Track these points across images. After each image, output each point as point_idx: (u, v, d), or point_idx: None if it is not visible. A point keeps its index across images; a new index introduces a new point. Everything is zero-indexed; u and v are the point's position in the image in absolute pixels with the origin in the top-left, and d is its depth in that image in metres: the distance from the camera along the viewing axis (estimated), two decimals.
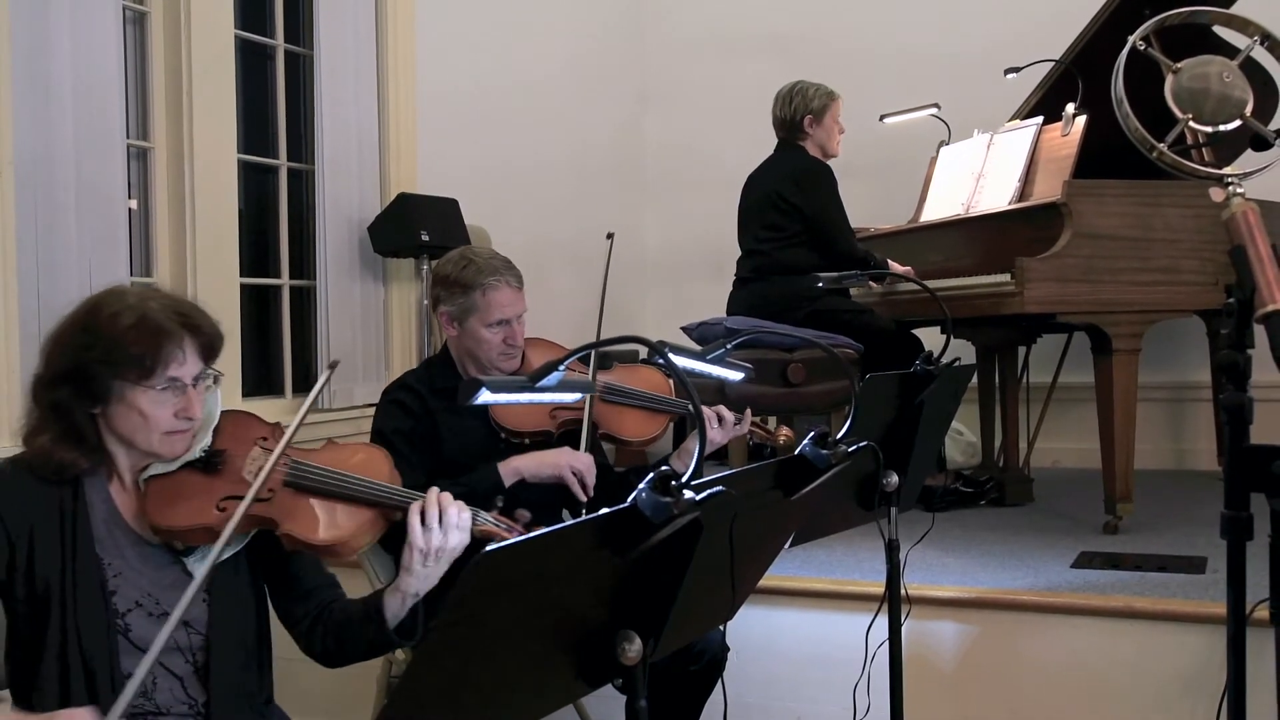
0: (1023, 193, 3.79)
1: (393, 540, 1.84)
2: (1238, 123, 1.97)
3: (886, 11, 5.40)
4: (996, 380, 4.25)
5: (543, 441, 2.50)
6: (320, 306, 4.06)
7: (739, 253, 4.14)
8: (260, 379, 4.07)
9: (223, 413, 1.80)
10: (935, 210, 4.25)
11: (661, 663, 1.29)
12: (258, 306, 4.08)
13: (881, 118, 4.73)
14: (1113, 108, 1.99)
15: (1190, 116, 1.97)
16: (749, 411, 2.63)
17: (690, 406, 2.54)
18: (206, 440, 1.76)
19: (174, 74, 3.56)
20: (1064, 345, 4.42)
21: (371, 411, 2.56)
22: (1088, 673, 2.62)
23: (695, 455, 1.33)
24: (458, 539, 1.74)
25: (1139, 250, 3.38)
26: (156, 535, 1.71)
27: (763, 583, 1.80)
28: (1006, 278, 3.43)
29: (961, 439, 4.67)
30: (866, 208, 4.47)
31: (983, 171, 4.05)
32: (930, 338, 3.75)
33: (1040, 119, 3.89)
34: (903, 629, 2.25)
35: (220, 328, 1.76)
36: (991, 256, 3.65)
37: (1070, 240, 3.36)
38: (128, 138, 3.38)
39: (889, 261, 3.97)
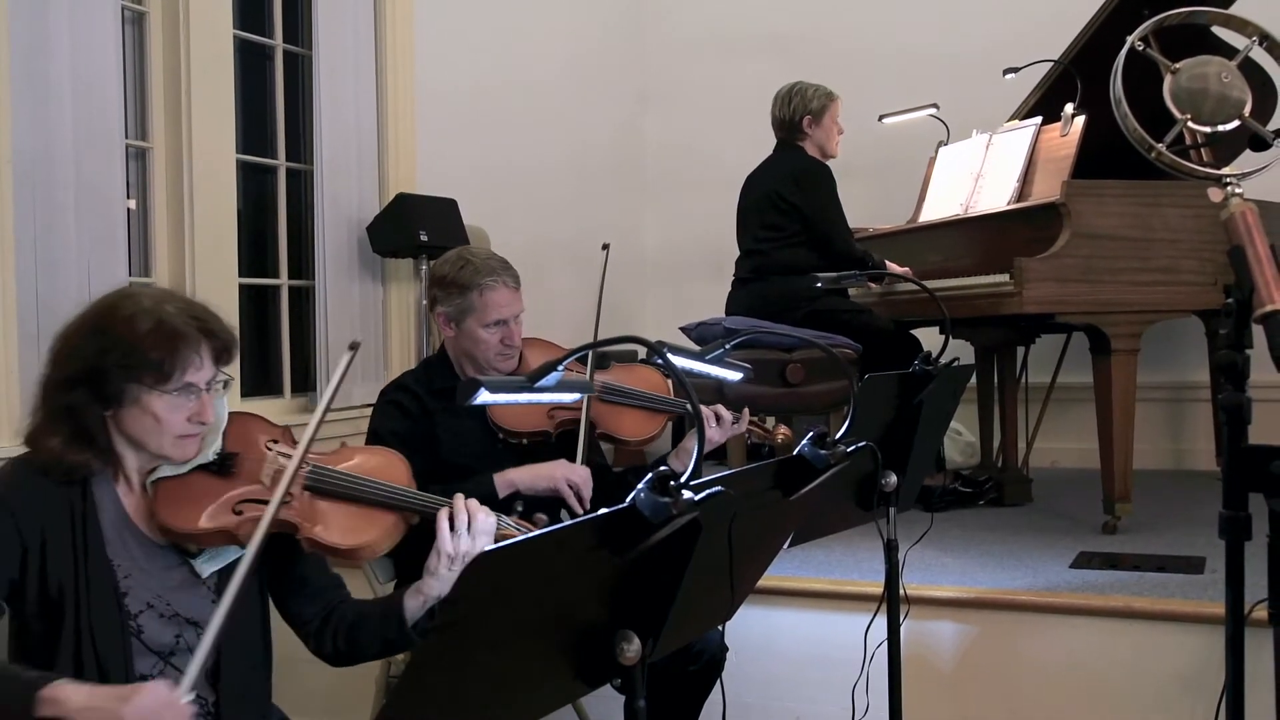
0: (1021, 193, 3.79)
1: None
2: (1236, 123, 1.97)
3: (886, 11, 5.41)
4: (995, 380, 4.25)
5: (541, 441, 2.50)
6: (319, 306, 4.06)
7: (738, 253, 4.14)
8: (259, 379, 4.07)
9: (229, 414, 1.81)
10: (934, 210, 4.25)
11: (660, 663, 1.29)
12: (256, 306, 4.08)
13: (880, 118, 4.73)
14: (1111, 108, 1.99)
15: (1189, 117, 1.97)
16: (746, 411, 2.63)
17: (689, 406, 2.54)
18: (218, 443, 1.76)
19: (173, 74, 3.56)
20: (1063, 345, 4.43)
21: (369, 412, 2.56)
22: (1086, 673, 2.62)
23: (694, 455, 1.33)
24: (484, 544, 1.75)
25: (1138, 250, 3.39)
26: (169, 538, 1.71)
27: (761, 583, 1.80)
28: (1005, 278, 3.43)
29: (960, 439, 4.67)
30: (865, 208, 4.48)
31: (981, 172, 4.05)
32: (929, 338, 3.76)
33: (1039, 119, 3.89)
34: (901, 629, 2.26)
35: (234, 332, 1.77)
36: (990, 257, 3.65)
37: (1069, 240, 3.36)
38: (126, 137, 3.38)
39: (886, 263, 3.97)
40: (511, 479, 2.35)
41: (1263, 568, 1.77)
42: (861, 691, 2.39)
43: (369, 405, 2.54)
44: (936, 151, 4.45)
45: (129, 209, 3.42)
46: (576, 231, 5.17)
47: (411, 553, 1.89)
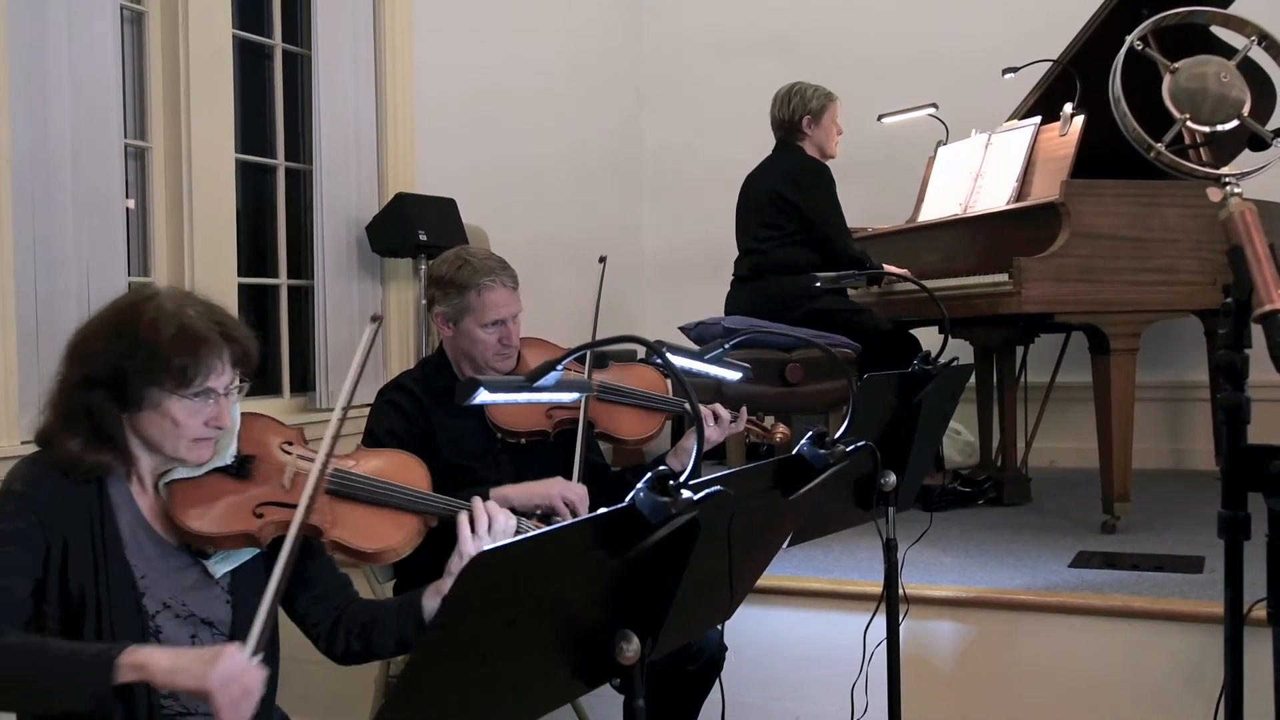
0: (1020, 192, 3.80)
1: None
2: (1235, 123, 1.97)
3: (885, 11, 5.41)
4: (994, 380, 4.25)
5: (539, 441, 2.49)
6: (318, 306, 4.06)
7: (737, 252, 4.14)
8: (258, 379, 4.05)
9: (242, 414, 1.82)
10: (933, 210, 4.25)
11: (659, 662, 1.29)
12: (255, 306, 4.08)
13: (879, 117, 4.73)
14: (1110, 107, 1.99)
15: (1188, 116, 1.97)
16: (744, 410, 2.63)
17: (687, 405, 2.54)
18: (233, 446, 1.77)
19: (171, 73, 3.56)
20: (1062, 345, 4.43)
21: (368, 411, 2.55)
22: (1085, 672, 2.62)
23: (693, 454, 1.33)
24: None
25: (1137, 250, 3.39)
26: (188, 540, 1.71)
27: (760, 582, 1.80)
28: (1004, 277, 3.43)
29: (959, 438, 4.67)
30: (864, 208, 4.47)
31: (980, 171, 4.05)
32: (928, 337, 3.75)
33: (1038, 119, 3.89)
34: (900, 628, 2.25)
35: (254, 338, 1.77)
36: (989, 256, 3.65)
37: (1068, 240, 3.36)
38: (125, 137, 3.38)
39: (884, 266, 3.97)
40: (506, 495, 2.31)
41: (1261, 567, 1.77)
42: (860, 691, 2.39)
43: (367, 405, 2.54)
44: (935, 151, 4.45)
45: (128, 208, 3.42)
46: (575, 231, 5.17)
47: (412, 553, 1.89)
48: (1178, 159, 1.94)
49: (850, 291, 4.11)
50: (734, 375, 2.30)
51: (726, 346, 2.19)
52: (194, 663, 1.49)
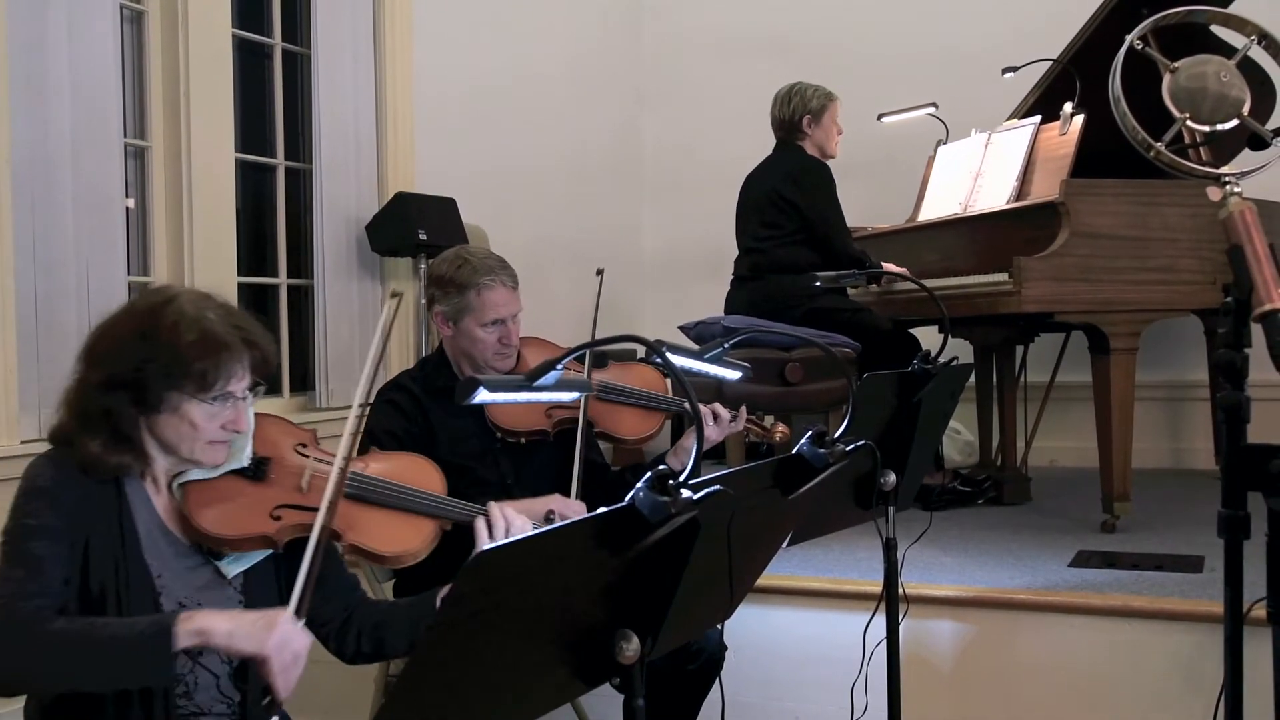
0: (1020, 192, 3.80)
1: None
2: (1235, 122, 1.97)
3: (885, 11, 5.41)
4: (994, 379, 4.25)
5: (539, 440, 2.49)
6: (318, 306, 4.06)
7: (737, 252, 4.14)
8: None
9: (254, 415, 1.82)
10: (933, 209, 4.25)
11: (659, 662, 1.29)
12: (255, 306, 4.07)
13: (879, 117, 4.73)
14: (1110, 107, 1.99)
15: (1187, 116, 1.97)
16: (744, 409, 2.63)
17: (687, 405, 2.54)
18: (249, 448, 1.77)
19: (171, 73, 3.56)
20: (1061, 344, 4.43)
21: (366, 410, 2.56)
22: (1085, 671, 2.62)
23: (693, 454, 1.33)
24: None
25: (1136, 249, 3.39)
26: (204, 541, 1.72)
27: (760, 582, 1.80)
28: (1004, 277, 3.43)
29: (959, 438, 4.67)
30: (864, 207, 4.47)
31: (980, 171, 4.05)
32: (928, 337, 3.75)
33: (1038, 118, 3.89)
34: (900, 628, 2.25)
35: (274, 342, 1.79)
36: (989, 256, 3.65)
37: (1068, 239, 3.36)
38: (125, 136, 3.38)
39: (884, 265, 3.97)
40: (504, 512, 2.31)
41: (1261, 566, 1.77)
42: (860, 690, 2.39)
43: (367, 404, 2.54)
44: (935, 151, 4.45)
45: (128, 208, 3.42)
46: (575, 231, 5.17)
47: None
48: (1177, 158, 1.94)
49: (850, 291, 4.12)
50: (734, 375, 2.29)
51: (726, 346, 2.19)
52: (251, 626, 1.54)
